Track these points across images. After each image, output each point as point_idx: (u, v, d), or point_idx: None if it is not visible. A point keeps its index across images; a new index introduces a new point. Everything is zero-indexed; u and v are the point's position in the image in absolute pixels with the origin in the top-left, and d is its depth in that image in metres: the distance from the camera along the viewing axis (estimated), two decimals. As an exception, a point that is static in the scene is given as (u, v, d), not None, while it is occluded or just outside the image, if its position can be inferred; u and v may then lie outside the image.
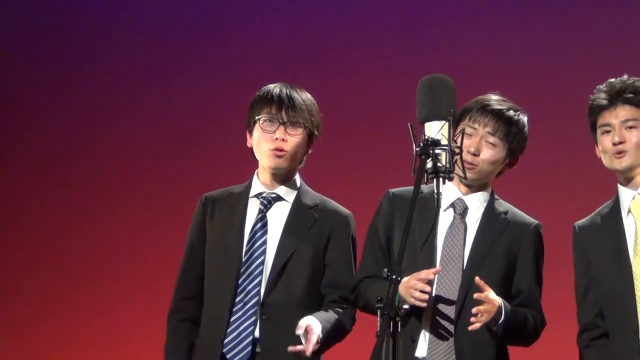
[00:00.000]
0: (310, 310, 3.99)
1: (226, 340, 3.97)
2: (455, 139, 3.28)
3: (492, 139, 3.92)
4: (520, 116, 3.99)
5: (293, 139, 4.06)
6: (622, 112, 3.89)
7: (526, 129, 4.01)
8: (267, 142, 4.05)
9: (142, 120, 6.28)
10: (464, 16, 5.90)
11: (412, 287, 3.67)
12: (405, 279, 3.67)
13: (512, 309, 3.79)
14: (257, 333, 3.99)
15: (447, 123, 3.25)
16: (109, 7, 6.38)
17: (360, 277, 3.98)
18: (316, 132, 4.13)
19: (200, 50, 6.24)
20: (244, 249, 4.05)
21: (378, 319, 3.05)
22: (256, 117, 4.08)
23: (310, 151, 4.17)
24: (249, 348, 3.96)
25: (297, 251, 4.04)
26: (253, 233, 4.07)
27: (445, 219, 3.90)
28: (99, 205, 6.29)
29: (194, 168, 6.15)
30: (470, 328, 3.70)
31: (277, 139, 4.04)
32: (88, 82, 6.34)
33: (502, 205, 3.99)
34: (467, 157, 3.83)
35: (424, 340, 3.82)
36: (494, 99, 3.98)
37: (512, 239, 3.92)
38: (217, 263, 4.09)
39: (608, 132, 3.91)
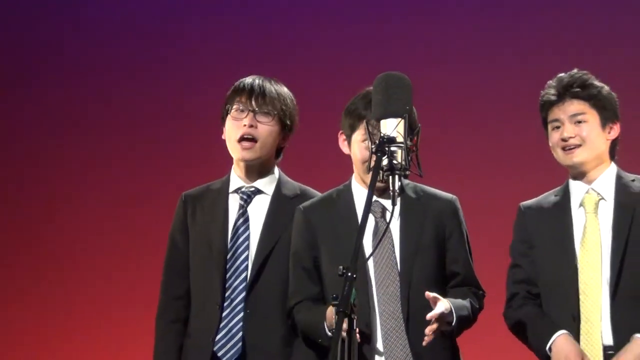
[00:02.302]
0: None
1: (217, 338, 3.98)
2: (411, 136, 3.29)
3: None
4: None
5: (263, 126, 4.07)
6: (571, 107, 3.89)
7: None
8: (236, 129, 4.06)
9: (116, 115, 6.23)
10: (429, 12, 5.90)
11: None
12: (328, 310, 3.68)
13: (458, 305, 3.75)
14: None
15: (402, 120, 3.25)
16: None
17: (292, 304, 3.95)
18: (288, 122, 4.11)
19: (179, 44, 6.22)
20: (228, 246, 4.07)
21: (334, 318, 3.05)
22: (227, 107, 4.11)
23: (286, 145, 4.16)
24: (240, 344, 3.98)
25: (278, 244, 4.05)
26: (235, 229, 4.08)
27: (367, 225, 3.83)
28: (69, 204, 6.26)
29: (174, 165, 6.10)
30: (424, 344, 3.65)
31: (245, 125, 4.06)
32: (61, 75, 6.27)
33: (413, 189, 3.95)
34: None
35: (379, 355, 3.80)
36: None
37: (435, 223, 3.90)
38: (203, 262, 4.10)
39: (558, 127, 3.91)
